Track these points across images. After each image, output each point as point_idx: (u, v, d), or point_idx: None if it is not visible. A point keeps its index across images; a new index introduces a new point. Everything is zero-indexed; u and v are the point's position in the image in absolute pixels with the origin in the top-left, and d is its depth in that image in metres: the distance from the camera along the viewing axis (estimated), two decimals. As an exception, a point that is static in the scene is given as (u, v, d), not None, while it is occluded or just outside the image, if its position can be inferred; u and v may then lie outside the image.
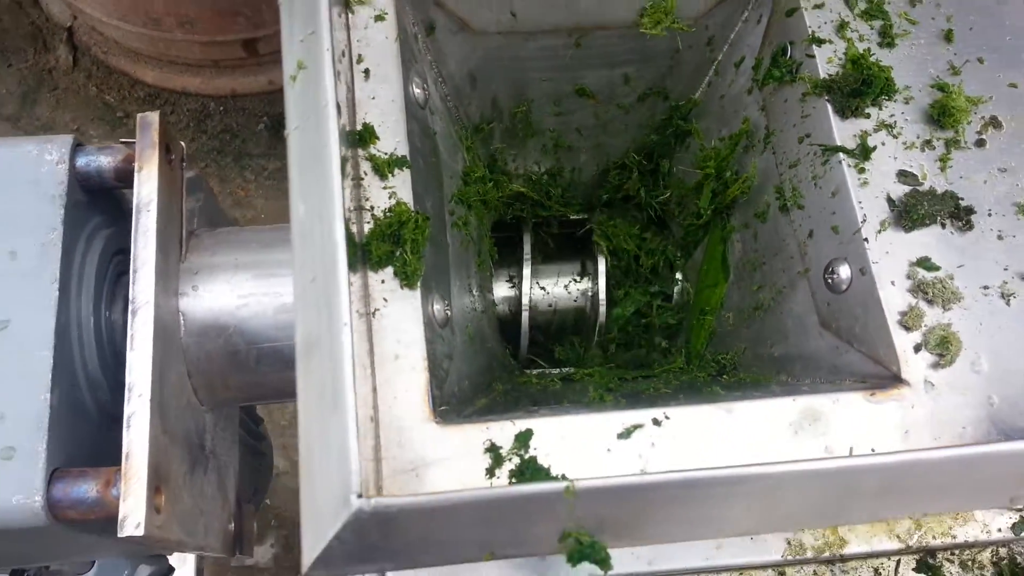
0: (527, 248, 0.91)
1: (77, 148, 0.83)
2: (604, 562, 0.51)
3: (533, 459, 0.57)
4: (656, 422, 0.59)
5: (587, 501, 0.51)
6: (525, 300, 0.90)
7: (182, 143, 0.89)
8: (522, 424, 0.59)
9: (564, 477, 0.54)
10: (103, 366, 0.83)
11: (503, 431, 0.58)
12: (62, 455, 0.74)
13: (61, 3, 2.53)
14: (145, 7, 2.17)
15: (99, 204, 0.88)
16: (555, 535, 0.53)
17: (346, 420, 0.50)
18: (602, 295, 0.91)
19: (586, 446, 0.58)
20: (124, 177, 0.83)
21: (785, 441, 0.58)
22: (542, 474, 0.56)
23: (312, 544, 0.48)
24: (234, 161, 2.51)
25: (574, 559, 0.51)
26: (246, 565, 2.30)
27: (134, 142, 0.84)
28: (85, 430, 0.80)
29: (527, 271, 0.91)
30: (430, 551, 0.55)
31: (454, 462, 0.57)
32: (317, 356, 0.53)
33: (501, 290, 0.95)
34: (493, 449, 0.58)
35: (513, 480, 0.55)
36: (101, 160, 0.83)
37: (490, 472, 0.57)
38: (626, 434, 0.59)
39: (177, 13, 2.18)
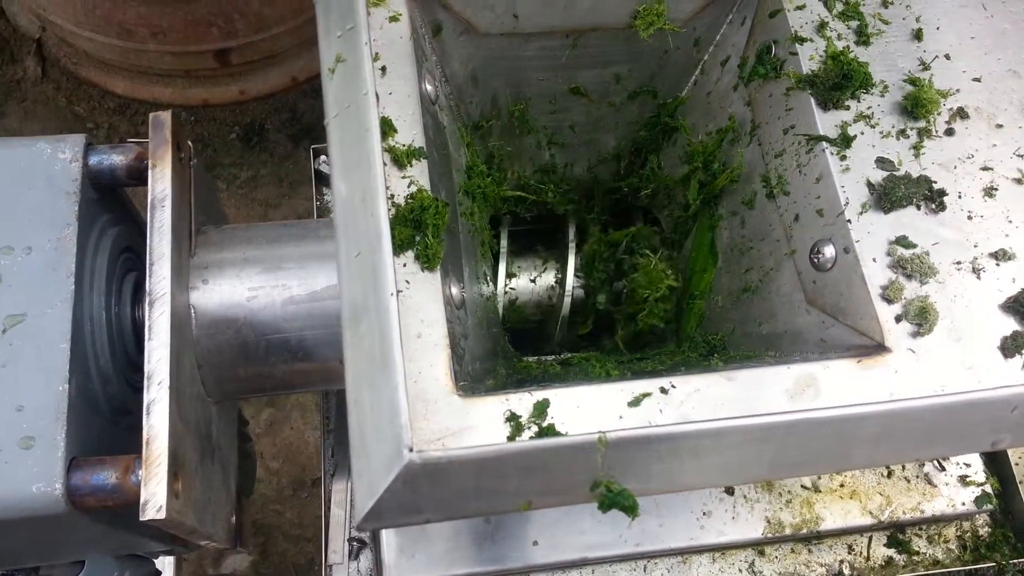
0: (571, 234, 0.96)
1: (89, 147, 0.85)
2: (632, 508, 0.55)
3: (551, 426, 0.61)
4: (663, 390, 0.64)
5: (615, 452, 0.54)
6: (568, 287, 0.94)
7: (190, 142, 0.92)
8: (539, 395, 0.62)
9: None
10: (113, 360, 0.85)
11: (521, 401, 0.62)
12: (79, 445, 0.75)
13: (29, 15, 2.51)
14: (118, 18, 2.18)
15: (107, 202, 0.90)
16: (586, 485, 0.57)
17: (396, 380, 0.53)
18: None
19: (599, 413, 0.62)
20: (136, 175, 0.85)
21: (783, 402, 0.63)
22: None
23: (365, 497, 0.52)
24: (206, 171, 2.52)
25: (604, 506, 0.55)
26: (223, 574, 2.29)
27: (146, 141, 0.86)
28: (97, 422, 0.81)
29: (571, 260, 0.95)
30: (472, 501, 0.58)
31: (477, 431, 0.60)
32: (365, 323, 0.56)
33: (523, 279, 1.00)
34: (513, 418, 0.61)
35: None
36: (114, 158, 0.85)
37: (511, 440, 0.60)
38: (636, 402, 0.63)
39: (150, 24, 2.18)
